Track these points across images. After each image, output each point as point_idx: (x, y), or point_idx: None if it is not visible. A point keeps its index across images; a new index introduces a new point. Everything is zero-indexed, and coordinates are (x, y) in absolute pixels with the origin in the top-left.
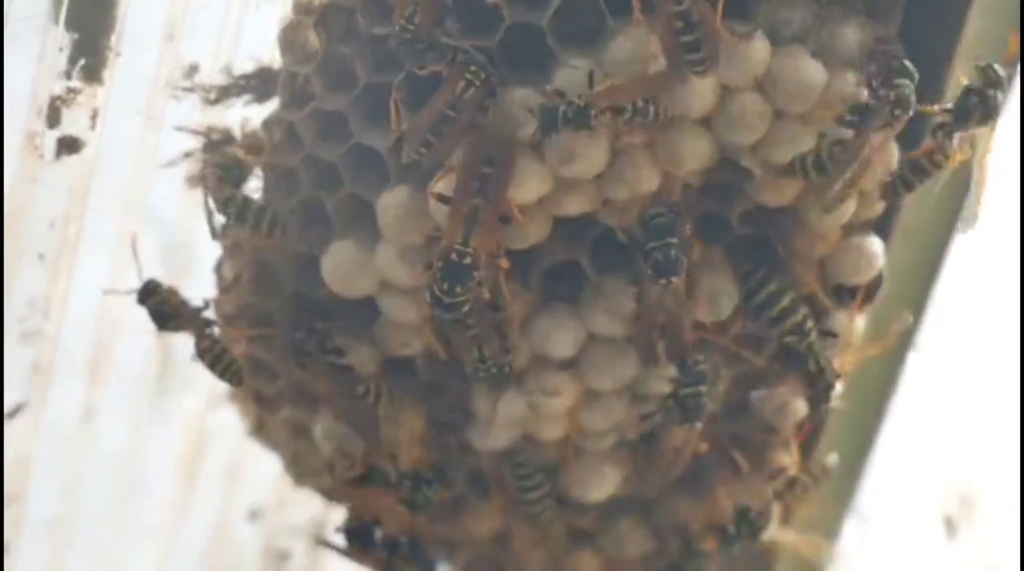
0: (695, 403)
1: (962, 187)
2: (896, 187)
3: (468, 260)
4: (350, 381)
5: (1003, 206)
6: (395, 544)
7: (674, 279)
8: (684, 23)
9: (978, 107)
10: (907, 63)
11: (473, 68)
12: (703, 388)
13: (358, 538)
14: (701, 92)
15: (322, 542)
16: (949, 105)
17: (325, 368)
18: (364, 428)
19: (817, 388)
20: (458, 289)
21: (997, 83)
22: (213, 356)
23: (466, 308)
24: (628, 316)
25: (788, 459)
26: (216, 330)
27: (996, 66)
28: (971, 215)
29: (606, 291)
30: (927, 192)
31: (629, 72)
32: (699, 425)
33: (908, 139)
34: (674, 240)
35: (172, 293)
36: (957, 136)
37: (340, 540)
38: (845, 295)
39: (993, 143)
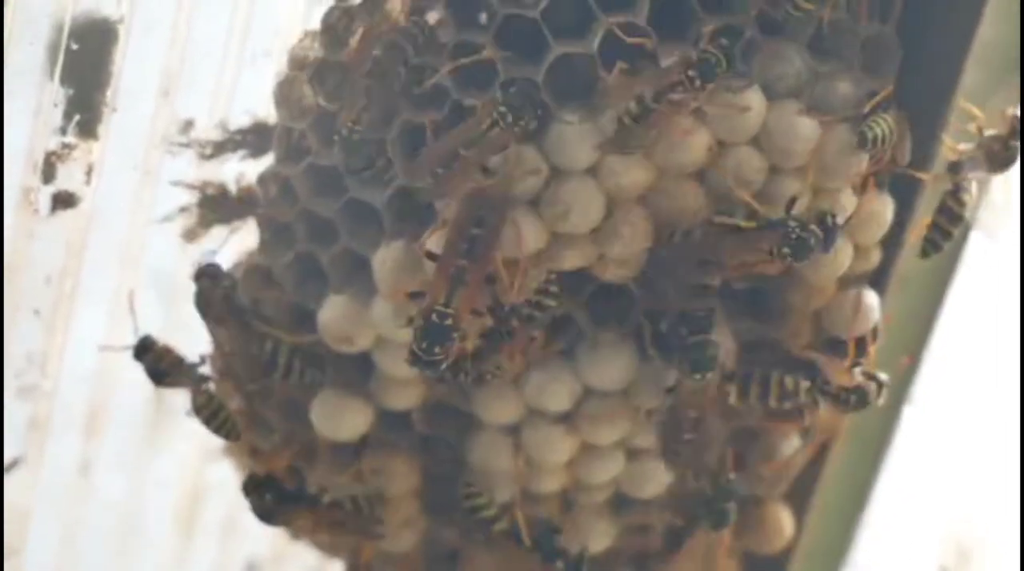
0: (701, 353)
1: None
2: (934, 241)
3: (449, 321)
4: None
5: (1001, 255)
6: None
7: (709, 375)
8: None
9: (1001, 154)
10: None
11: (502, 109)
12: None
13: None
14: (695, 147)
15: None
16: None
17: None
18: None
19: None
20: (437, 349)
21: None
22: (209, 412)
23: (443, 366)
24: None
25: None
26: (212, 386)
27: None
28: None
29: (602, 344)
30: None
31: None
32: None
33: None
34: (713, 338)
35: (167, 350)
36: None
37: None
38: (841, 348)
39: None
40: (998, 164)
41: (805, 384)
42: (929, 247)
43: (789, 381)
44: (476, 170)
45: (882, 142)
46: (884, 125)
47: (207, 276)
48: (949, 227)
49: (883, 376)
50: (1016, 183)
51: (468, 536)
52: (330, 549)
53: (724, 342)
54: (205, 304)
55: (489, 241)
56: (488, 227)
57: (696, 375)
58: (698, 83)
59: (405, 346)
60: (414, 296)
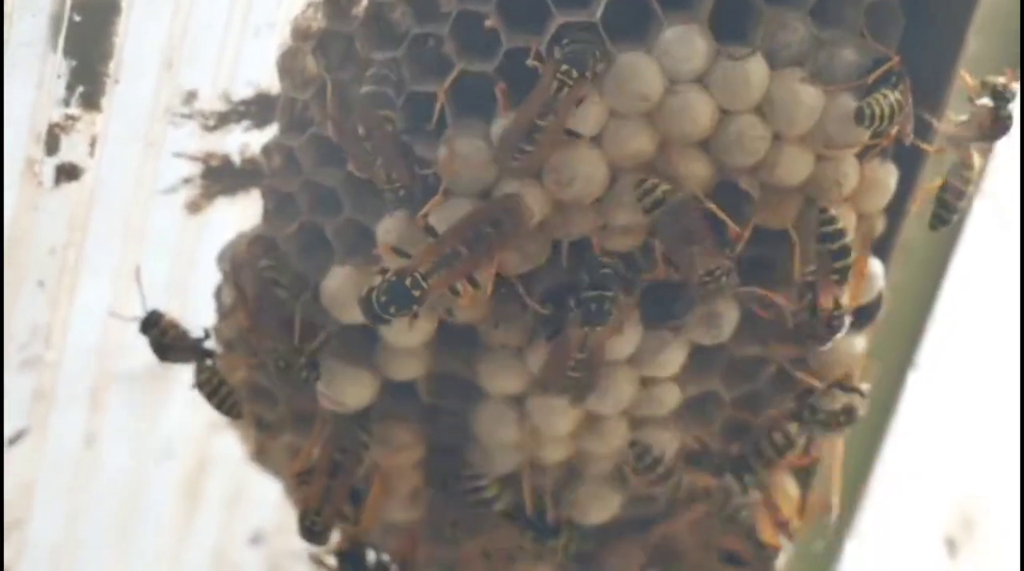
0: (598, 307)
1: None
2: (941, 216)
3: (417, 293)
4: None
5: (1003, 221)
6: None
7: (599, 328)
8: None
9: (991, 126)
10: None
11: (564, 67)
12: (608, 293)
13: (350, 561)
14: (699, 115)
15: (317, 561)
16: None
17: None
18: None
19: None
20: (392, 309)
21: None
22: (211, 388)
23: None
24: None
25: (791, 485)
26: (216, 361)
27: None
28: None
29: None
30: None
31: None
32: (600, 329)
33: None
34: (611, 293)
35: (172, 325)
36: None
37: (334, 563)
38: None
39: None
40: (991, 135)
41: (793, 429)
42: (937, 222)
43: (778, 437)
44: (561, 135)
45: (881, 120)
46: (885, 102)
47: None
48: (955, 201)
49: (864, 387)
50: (1016, 149)
51: (465, 520)
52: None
53: (728, 311)
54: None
55: (494, 246)
56: (501, 233)
57: (586, 327)
58: (575, 74)
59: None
60: (398, 252)
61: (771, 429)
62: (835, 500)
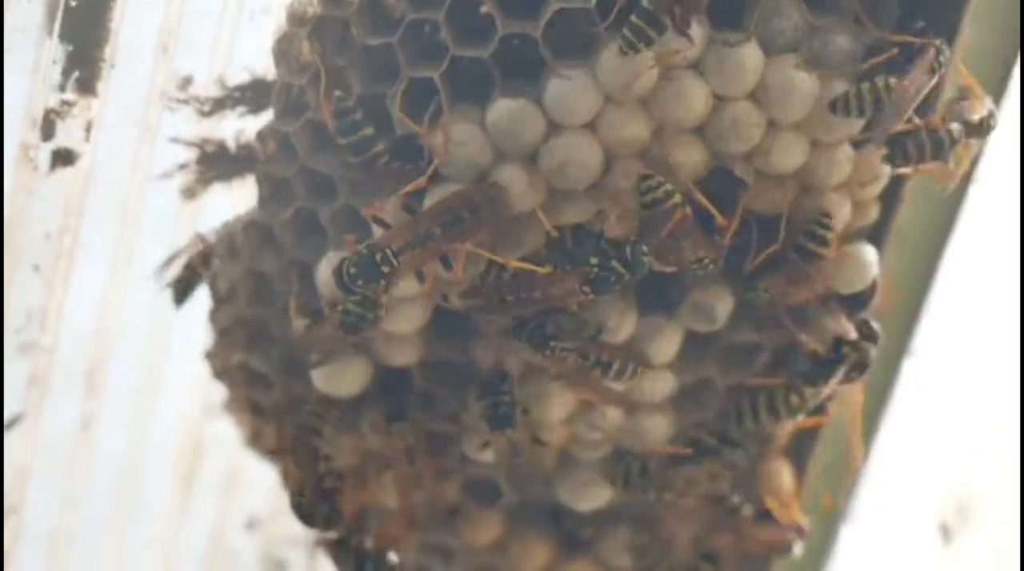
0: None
1: (957, 191)
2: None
3: (386, 269)
4: None
5: (1001, 208)
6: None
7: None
8: None
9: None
10: None
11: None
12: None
13: (344, 546)
14: (694, 101)
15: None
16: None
17: None
18: None
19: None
20: (359, 283)
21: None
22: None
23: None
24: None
25: (786, 472)
26: None
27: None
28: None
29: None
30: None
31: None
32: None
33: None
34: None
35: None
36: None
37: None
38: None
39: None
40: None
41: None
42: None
43: (794, 399)
44: None
45: (860, 111)
46: (869, 91)
47: None
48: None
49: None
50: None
51: None
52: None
53: (723, 300)
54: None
55: (467, 231)
56: (477, 219)
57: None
58: None
59: (405, 302)
60: (377, 221)
61: (787, 390)
62: (857, 450)
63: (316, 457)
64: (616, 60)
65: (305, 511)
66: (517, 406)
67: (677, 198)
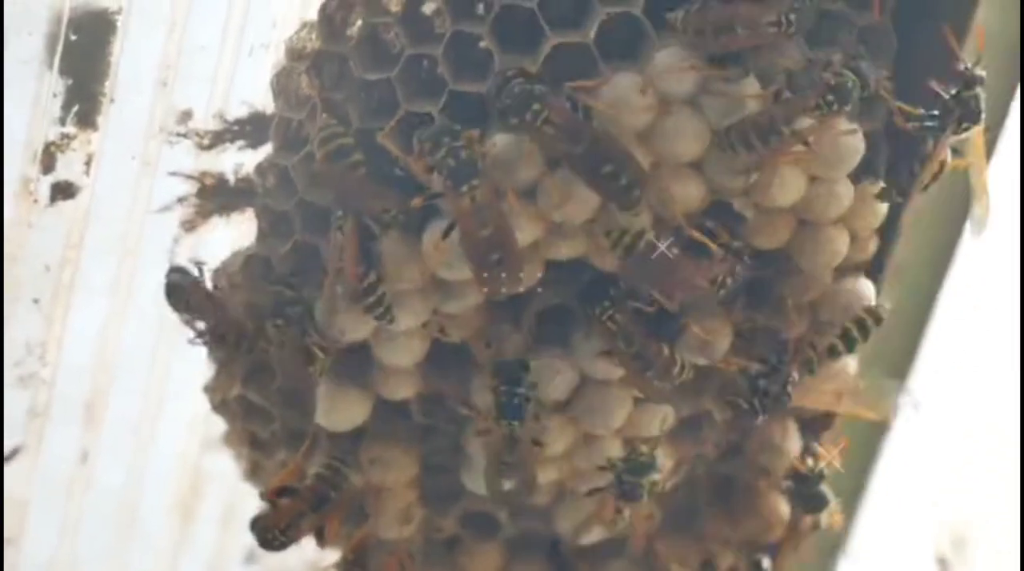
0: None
1: (954, 224)
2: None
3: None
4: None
5: (998, 243)
6: None
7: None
8: None
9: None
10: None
11: None
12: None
13: None
14: (692, 137)
15: None
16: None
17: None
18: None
19: None
20: None
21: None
22: None
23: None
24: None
25: (782, 503)
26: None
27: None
28: (979, 221)
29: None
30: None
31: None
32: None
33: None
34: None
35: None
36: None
37: None
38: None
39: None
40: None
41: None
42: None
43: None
44: None
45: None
46: None
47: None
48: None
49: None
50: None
51: None
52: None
53: (721, 331)
54: None
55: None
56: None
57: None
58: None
59: (404, 336)
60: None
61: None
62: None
63: (336, 512)
64: (620, 88)
65: (276, 544)
66: (530, 402)
67: (646, 236)
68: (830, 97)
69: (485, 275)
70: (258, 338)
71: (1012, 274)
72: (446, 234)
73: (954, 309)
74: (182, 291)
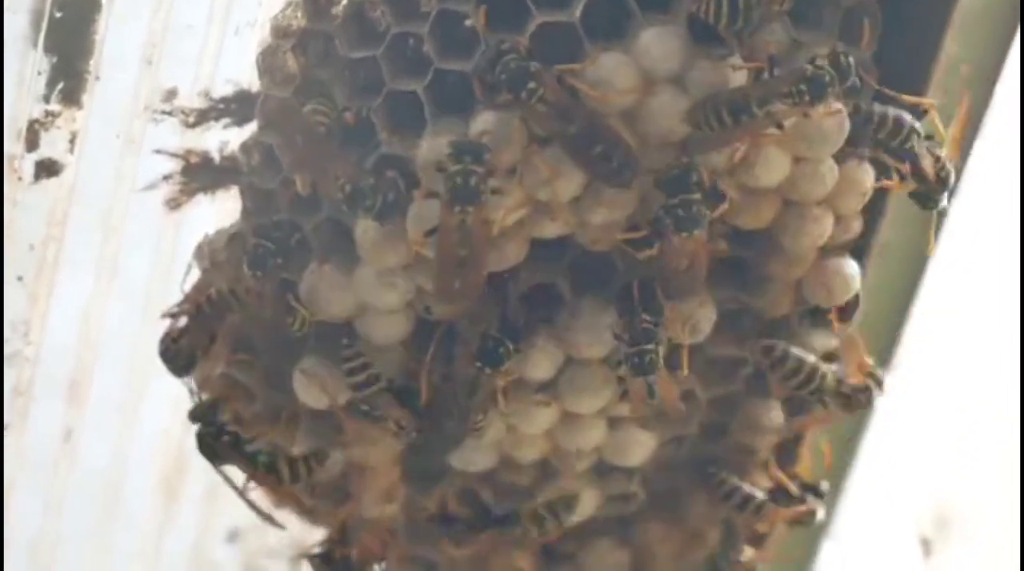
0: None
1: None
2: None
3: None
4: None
5: (986, 220)
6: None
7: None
8: None
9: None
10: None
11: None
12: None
13: (327, 559)
14: (675, 114)
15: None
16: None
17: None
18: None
19: None
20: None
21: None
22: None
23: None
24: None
25: (766, 480)
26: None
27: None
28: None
29: (583, 313)
30: (906, 209)
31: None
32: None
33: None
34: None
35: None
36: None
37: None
38: (821, 317)
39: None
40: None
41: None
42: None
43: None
44: None
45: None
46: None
47: None
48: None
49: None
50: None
51: None
52: (312, 517)
53: (706, 312)
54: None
55: None
56: None
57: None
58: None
59: (387, 313)
60: None
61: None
62: None
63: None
64: (605, 68)
65: (169, 355)
66: (507, 349)
67: None
68: (803, 87)
69: (441, 290)
70: (234, 295)
71: (998, 258)
72: (427, 235)
73: (939, 289)
74: None
